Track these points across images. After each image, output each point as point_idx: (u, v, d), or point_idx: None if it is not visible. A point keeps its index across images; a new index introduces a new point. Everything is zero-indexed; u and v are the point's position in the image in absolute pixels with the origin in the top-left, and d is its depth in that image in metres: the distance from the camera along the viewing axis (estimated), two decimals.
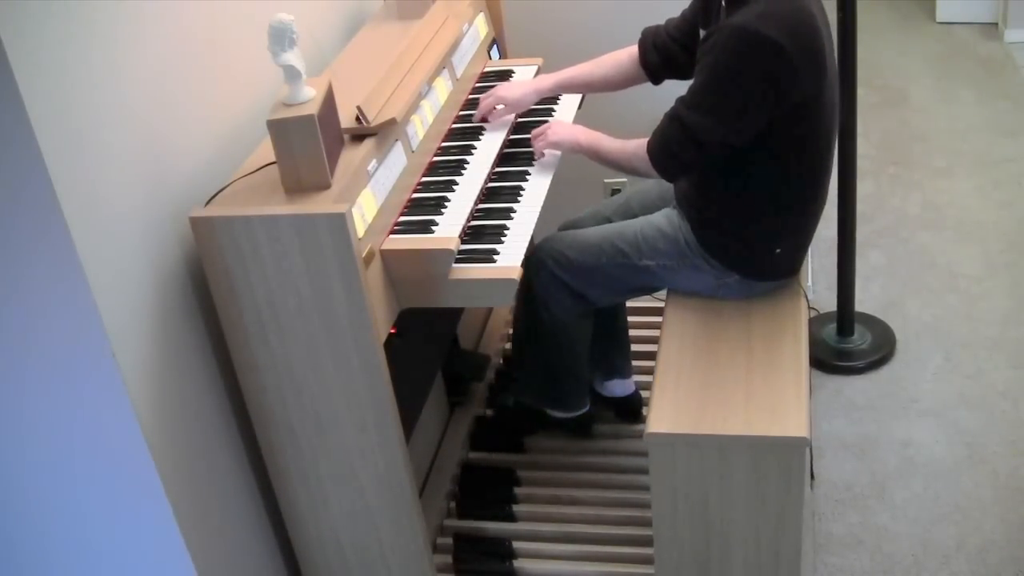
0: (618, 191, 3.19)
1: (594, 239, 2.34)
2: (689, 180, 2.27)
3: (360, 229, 1.86)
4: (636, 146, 2.20)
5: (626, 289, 2.39)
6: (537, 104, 2.50)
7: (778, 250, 2.23)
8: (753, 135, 2.06)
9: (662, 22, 2.41)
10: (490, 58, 2.75)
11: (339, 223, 1.77)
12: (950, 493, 2.64)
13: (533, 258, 2.36)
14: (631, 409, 2.72)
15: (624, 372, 2.68)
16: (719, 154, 2.10)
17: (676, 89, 2.19)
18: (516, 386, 2.64)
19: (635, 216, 2.46)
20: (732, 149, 2.09)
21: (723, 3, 2.10)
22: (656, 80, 2.42)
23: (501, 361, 3.00)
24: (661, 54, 2.36)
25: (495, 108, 2.41)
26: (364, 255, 1.85)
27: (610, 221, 2.51)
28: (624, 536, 2.41)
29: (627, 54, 2.43)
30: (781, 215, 2.20)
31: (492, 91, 2.44)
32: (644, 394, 2.71)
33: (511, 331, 3.08)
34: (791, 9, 1.98)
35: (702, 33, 2.19)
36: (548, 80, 2.46)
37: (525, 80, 2.53)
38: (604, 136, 2.29)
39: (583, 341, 2.46)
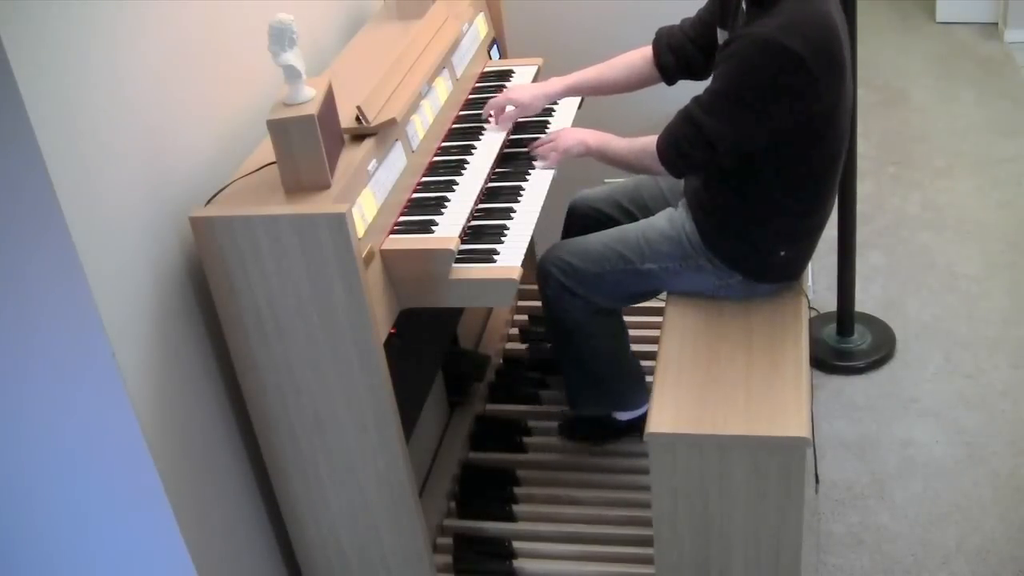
0: None
1: (597, 246, 2.34)
2: (699, 179, 2.26)
3: (360, 229, 1.86)
4: (645, 143, 2.19)
5: (630, 294, 2.38)
6: None
7: (783, 252, 2.23)
8: (766, 141, 2.06)
9: (663, 21, 2.40)
10: (490, 58, 2.75)
11: (339, 223, 1.77)
12: (950, 493, 2.64)
13: (540, 269, 2.37)
14: None
15: None
16: (732, 157, 2.10)
17: (683, 89, 2.18)
18: (573, 401, 2.56)
19: (645, 204, 2.47)
20: (743, 153, 2.09)
21: (743, 4, 2.08)
22: (671, 81, 2.40)
23: (501, 361, 3.00)
24: (677, 55, 2.34)
25: (505, 109, 2.40)
26: (364, 255, 1.85)
27: (620, 204, 2.51)
28: (624, 536, 2.41)
29: (640, 55, 2.40)
30: (789, 218, 2.20)
31: (504, 92, 2.43)
32: None
33: (512, 332, 3.10)
34: (814, 18, 1.96)
35: (720, 33, 2.18)
36: (558, 84, 2.44)
37: (535, 83, 2.51)
38: (612, 136, 2.28)
39: (616, 335, 2.44)
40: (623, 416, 2.56)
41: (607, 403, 2.54)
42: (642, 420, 2.49)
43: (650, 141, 2.17)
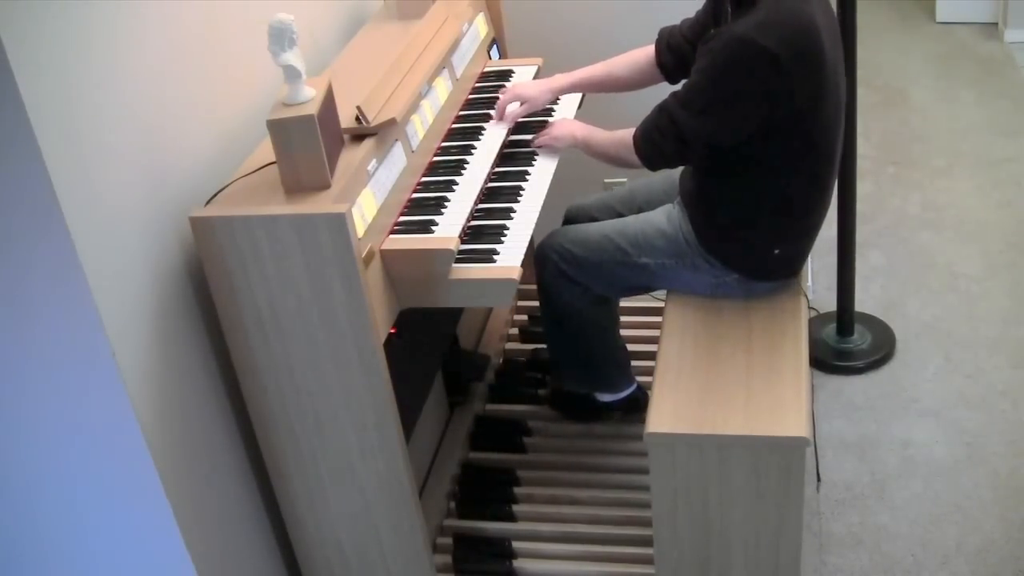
0: None
1: (597, 236, 2.36)
2: (693, 179, 2.27)
3: (360, 229, 1.86)
4: (623, 135, 2.22)
5: (626, 286, 2.40)
6: None
7: (777, 251, 2.23)
8: (742, 138, 2.07)
9: (663, 21, 2.41)
10: (490, 58, 2.75)
11: (339, 223, 1.77)
12: (950, 493, 2.64)
13: (539, 252, 2.41)
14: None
15: None
16: (703, 153, 2.12)
17: None
18: (559, 376, 2.67)
19: (640, 209, 2.48)
20: (717, 149, 2.10)
21: (730, 6, 2.10)
22: (673, 80, 2.42)
23: (501, 361, 3.00)
24: (675, 55, 2.36)
25: (508, 105, 2.41)
26: (364, 255, 1.86)
27: (616, 211, 2.54)
28: (624, 536, 2.41)
29: (643, 54, 2.43)
30: (782, 216, 2.20)
31: (510, 88, 2.45)
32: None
33: (512, 332, 3.10)
34: (791, 17, 1.97)
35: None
36: (564, 80, 2.47)
37: (541, 79, 2.53)
38: (598, 129, 2.32)
39: (608, 323, 2.49)
40: (605, 398, 2.62)
41: (592, 384, 2.61)
42: (623, 403, 2.61)
43: (628, 133, 2.20)
